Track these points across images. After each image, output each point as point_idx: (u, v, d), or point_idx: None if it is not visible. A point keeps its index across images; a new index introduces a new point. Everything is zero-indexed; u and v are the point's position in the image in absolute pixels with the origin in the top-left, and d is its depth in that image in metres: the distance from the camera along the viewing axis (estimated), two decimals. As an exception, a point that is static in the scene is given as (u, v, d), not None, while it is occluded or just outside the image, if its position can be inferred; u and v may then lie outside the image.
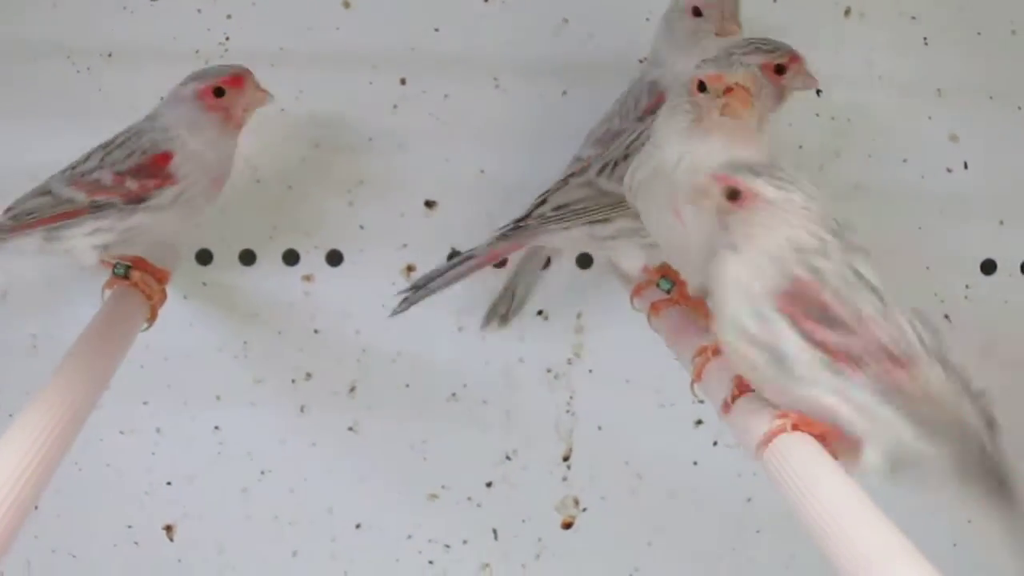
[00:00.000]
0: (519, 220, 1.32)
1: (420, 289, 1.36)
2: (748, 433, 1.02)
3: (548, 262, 1.46)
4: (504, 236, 1.33)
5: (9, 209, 1.27)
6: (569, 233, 1.32)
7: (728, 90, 1.12)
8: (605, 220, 1.29)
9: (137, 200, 1.26)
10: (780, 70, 1.26)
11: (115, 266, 1.29)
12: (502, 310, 1.46)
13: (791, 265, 1.00)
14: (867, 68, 1.46)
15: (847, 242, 1.02)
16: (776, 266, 1.01)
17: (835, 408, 0.99)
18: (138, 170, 1.27)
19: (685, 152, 1.13)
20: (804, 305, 0.99)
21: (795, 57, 1.26)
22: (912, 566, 0.78)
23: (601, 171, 1.28)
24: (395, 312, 1.37)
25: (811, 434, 0.98)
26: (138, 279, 1.29)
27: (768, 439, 0.98)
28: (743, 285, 1.02)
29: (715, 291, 1.05)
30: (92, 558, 1.50)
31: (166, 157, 1.27)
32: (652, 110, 1.30)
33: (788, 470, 0.94)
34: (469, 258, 1.35)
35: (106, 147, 1.29)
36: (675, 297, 1.28)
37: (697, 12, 1.33)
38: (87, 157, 1.28)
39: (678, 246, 1.16)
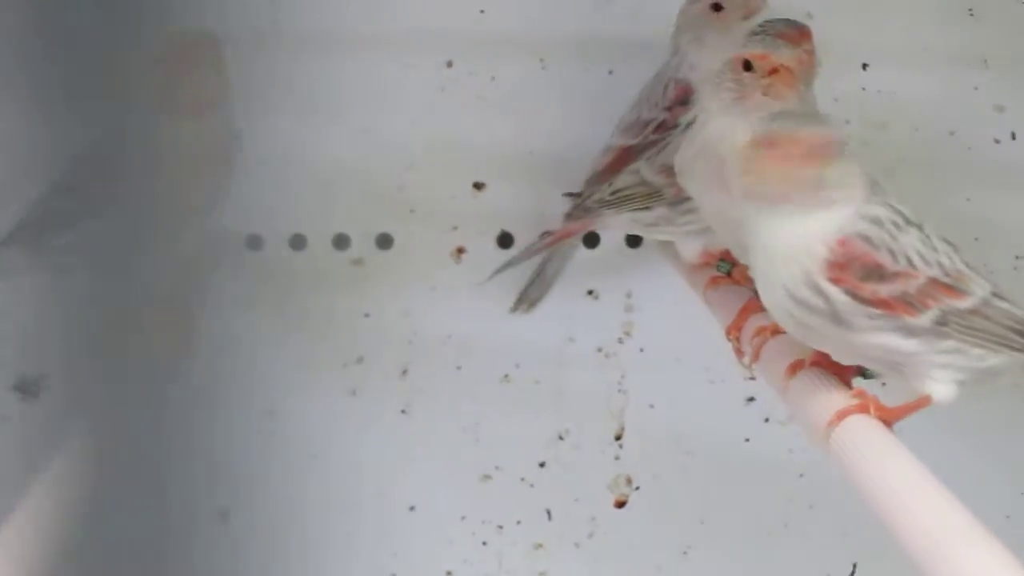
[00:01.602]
0: (583, 202, 1.35)
1: (509, 263, 1.41)
2: (813, 414, 1.01)
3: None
4: (572, 216, 1.37)
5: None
6: (620, 217, 1.34)
7: (773, 71, 1.12)
8: (645, 208, 1.30)
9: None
10: None
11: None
12: (534, 294, 1.46)
13: (844, 222, 0.98)
14: (912, 40, 1.46)
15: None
16: (831, 225, 0.98)
17: (897, 346, 0.98)
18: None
19: (727, 129, 1.13)
20: (855, 268, 0.97)
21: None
22: (987, 548, 0.78)
23: (648, 160, 1.30)
24: (490, 277, 1.42)
25: (884, 420, 0.98)
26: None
27: (842, 416, 0.98)
28: (794, 250, 0.98)
29: (760, 250, 1.01)
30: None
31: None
32: (680, 100, 1.31)
33: (854, 452, 0.94)
34: (546, 234, 1.40)
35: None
36: (736, 277, 1.28)
37: (717, 7, 1.32)
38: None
39: (730, 221, 1.15)
